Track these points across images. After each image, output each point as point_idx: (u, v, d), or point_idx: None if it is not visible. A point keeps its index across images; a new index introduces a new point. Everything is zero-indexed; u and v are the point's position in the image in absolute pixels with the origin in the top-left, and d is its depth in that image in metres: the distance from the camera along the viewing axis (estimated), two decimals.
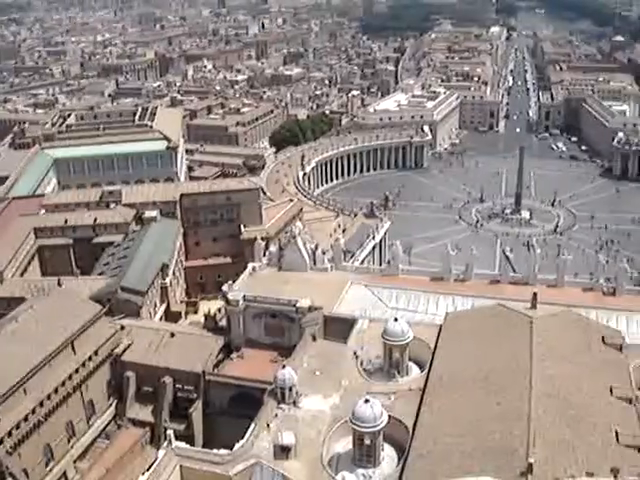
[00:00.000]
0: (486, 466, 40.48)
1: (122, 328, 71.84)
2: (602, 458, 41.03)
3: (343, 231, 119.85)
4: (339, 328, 63.97)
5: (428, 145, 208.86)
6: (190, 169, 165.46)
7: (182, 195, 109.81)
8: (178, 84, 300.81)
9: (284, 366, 53.77)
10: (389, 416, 46.20)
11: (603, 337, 55.36)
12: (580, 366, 51.01)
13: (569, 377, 48.82)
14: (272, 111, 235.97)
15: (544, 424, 42.93)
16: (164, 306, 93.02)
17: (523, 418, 43.25)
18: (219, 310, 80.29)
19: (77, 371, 64.12)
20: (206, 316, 79.58)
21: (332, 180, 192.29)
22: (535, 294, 58.91)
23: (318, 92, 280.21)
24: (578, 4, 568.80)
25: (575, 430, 43.39)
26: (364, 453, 46.67)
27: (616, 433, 43.72)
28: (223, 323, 76.58)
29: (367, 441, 46.04)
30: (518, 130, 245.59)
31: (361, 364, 57.91)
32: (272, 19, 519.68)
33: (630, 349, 55.50)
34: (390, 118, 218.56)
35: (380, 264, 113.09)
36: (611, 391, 48.41)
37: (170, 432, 51.36)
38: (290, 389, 52.62)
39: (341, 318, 66.14)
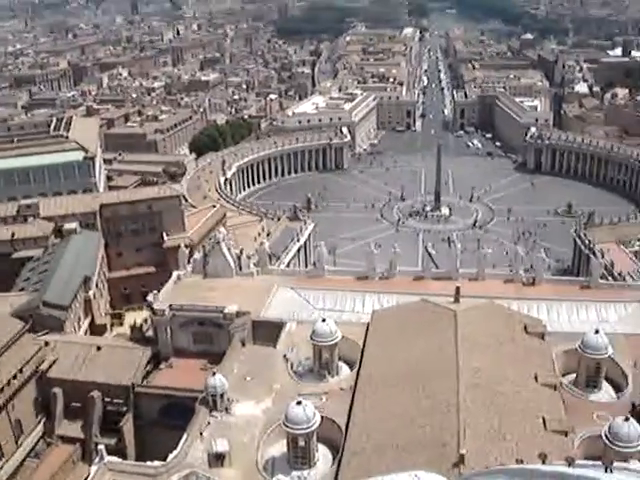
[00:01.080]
0: (419, 459, 41.20)
1: (46, 344, 70.00)
2: (531, 445, 42.23)
3: (267, 235, 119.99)
4: (268, 332, 63.99)
5: (347, 146, 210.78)
6: (109, 179, 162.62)
7: (102, 205, 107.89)
8: (93, 93, 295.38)
9: (214, 373, 53.47)
10: (322, 416, 46.49)
11: (525, 326, 56.98)
12: (505, 356, 52.47)
13: (495, 367, 50.13)
14: (191, 117, 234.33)
15: (473, 415, 44.00)
16: (89, 319, 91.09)
17: (452, 410, 44.23)
18: (145, 321, 79.24)
19: (2, 390, 62.38)
20: (132, 327, 78.44)
21: (254, 184, 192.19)
22: (458, 288, 60.25)
23: (236, 97, 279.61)
24: (488, 4, 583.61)
25: (503, 419, 44.61)
26: (299, 455, 46.86)
27: (543, 419, 45.17)
28: (150, 333, 75.45)
29: (301, 443, 46.26)
30: (433, 132, 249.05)
31: (291, 367, 58.09)
32: (187, 25, 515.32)
33: (552, 336, 57.36)
34: (309, 121, 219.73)
35: (306, 266, 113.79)
36: (536, 378, 49.88)
37: (101, 447, 50.36)
38: (221, 396, 52.38)
39: (269, 322, 66.11)
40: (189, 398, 58.18)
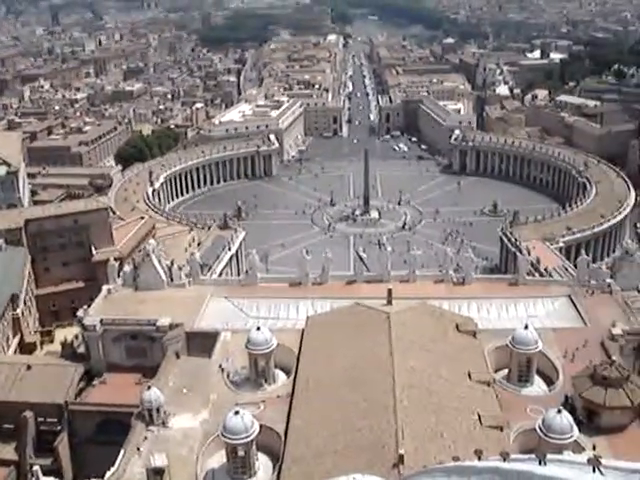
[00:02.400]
0: (359, 462, 41.43)
1: None
2: (468, 441, 42.99)
3: (198, 245, 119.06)
4: (202, 343, 63.46)
5: (276, 153, 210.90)
6: (34, 193, 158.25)
7: (27, 221, 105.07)
8: (15, 106, 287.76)
9: (149, 387, 52.76)
10: (260, 425, 46.33)
11: (457, 325, 58.01)
12: (438, 355, 53.28)
13: (429, 367, 50.84)
14: (115, 128, 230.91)
15: (410, 415, 44.50)
16: (17, 338, 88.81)
17: (389, 411, 44.63)
18: (76, 337, 77.53)
19: None
20: (63, 344, 76.65)
21: (183, 194, 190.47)
22: (390, 290, 60.86)
23: (161, 107, 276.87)
24: (409, 10, 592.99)
25: (440, 417, 45.28)
26: (239, 465, 46.58)
27: (478, 416, 46.03)
28: (82, 350, 73.95)
29: (241, 452, 46.01)
30: (359, 137, 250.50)
31: (228, 376, 57.75)
32: (109, 35, 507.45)
33: (483, 334, 58.55)
34: (236, 129, 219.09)
35: (238, 275, 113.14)
36: (469, 376, 50.83)
37: (37, 468, 49.09)
38: (158, 410, 51.71)
39: (203, 333, 65.58)
40: (125, 413, 57.21)
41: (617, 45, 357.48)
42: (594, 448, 45.07)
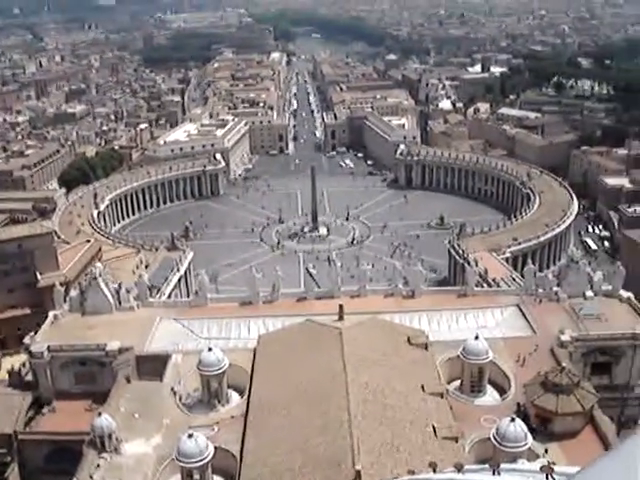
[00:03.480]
0: (316, 479, 41.25)
1: None
2: (423, 454, 43.05)
3: (146, 267, 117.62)
4: (153, 366, 62.56)
5: (222, 172, 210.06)
6: None
7: None
8: None
9: (100, 413, 51.71)
10: (215, 447, 45.75)
11: (408, 338, 58.25)
12: (391, 369, 53.39)
13: (383, 381, 50.88)
14: (58, 151, 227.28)
15: (366, 430, 44.41)
16: None
17: (345, 427, 44.46)
18: (23, 365, 75.74)
19: None
20: (10, 373, 74.71)
21: (129, 216, 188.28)
22: (341, 306, 60.90)
23: (105, 128, 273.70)
24: (351, 27, 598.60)
25: (395, 431, 45.28)
26: None
27: (433, 428, 46.17)
28: (29, 378, 72.34)
29: (196, 476, 45.29)
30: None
31: (180, 399, 57.01)
32: (49, 57, 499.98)
33: (434, 346, 58.91)
34: (181, 149, 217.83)
35: (187, 296, 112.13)
36: (423, 388, 51.00)
37: None
38: (109, 436, 50.67)
39: (154, 356, 64.68)
40: (76, 441, 55.97)
41: (555, 58, 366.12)
42: (546, 451, 45.82)
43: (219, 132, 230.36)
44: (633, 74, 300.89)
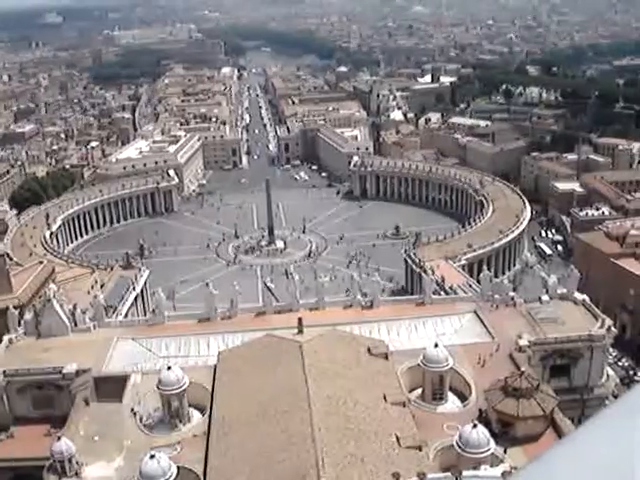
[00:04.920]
0: None
1: None
2: (388, 464, 43.12)
3: (101, 286, 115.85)
4: (112, 387, 61.63)
5: (176, 189, 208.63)
6: None
7: None
8: None
9: (59, 438, 50.70)
10: (178, 467, 45.15)
11: (369, 349, 58.39)
12: (353, 380, 53.40)
13: (344, 393, 50.85)
14: (8, 172, 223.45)
15: (329, 443, 44.31)
16: None
17: (309, 441, 44.31)
18: None
19: None
20: None
21: (82, 235, 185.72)
22: (300, 319, 60.90)
23: (55, 147, 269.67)
24: (301, 41, 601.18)
25: (359, 442, 45.25)
26: None
27: (396, 437, 46.22)
28: None
29: None
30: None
31: (141, 420, 56.22)
32: None
33: (395, 355, 59.12)
34: (134, 166, 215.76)
35: (145, 315, 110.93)
36: (385, 398, 51.11)
37: None
38: (70, 460, 49.65)
39: (112, 377, 63.74)
40: (35, 467, 54.84)
41: (504, 66, 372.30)
42: (505, 451, 46.25)
43: (171, 148, 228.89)
44: (579, 80, 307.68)
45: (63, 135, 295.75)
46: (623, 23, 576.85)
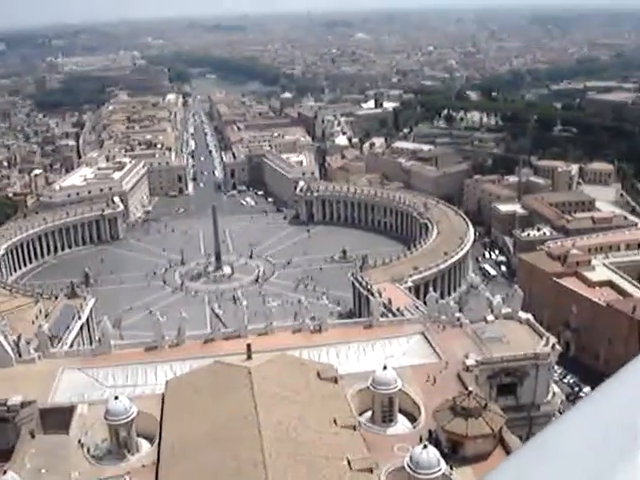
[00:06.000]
0: None
1: None
2: None
3: (46, 316, 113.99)
4: (58, 419, 60.55)
5: (121, 216, 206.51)
6: None
7: None
8: None
9: (5, 472, 49.58)
10: None
11: (318, 373, 58.57)
12: (303, 405, 53.44)
13: (295, 418, 50.86)
14: None
15: (280, 469, 44.24)
16: None
17: (259, 468, 44.17)
18: None
19: None
20: None
21: (26, 264, 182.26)
22: (249, 345, 60.80)
23: None
24: (246, 67, 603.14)
25: (310, 467, 45.29)
26: None
27: (348, 461, 46.41)
28: None
29: None
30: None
31: (88, 451, 55.29)
32: None
33: (344, 379, 59.41)
34: (78, 193, 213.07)
35: (91, 344, 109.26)
36: (335, 422, 51.27)
37: None
38: None
39: (58, 408, 62.63)
40: None
41: (445, 91, 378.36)
42: (451, 467, 46.75)
43: (116, 175, 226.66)
44: (519, 104, 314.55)
45: (6, 163, 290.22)
46: (559, 49, 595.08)
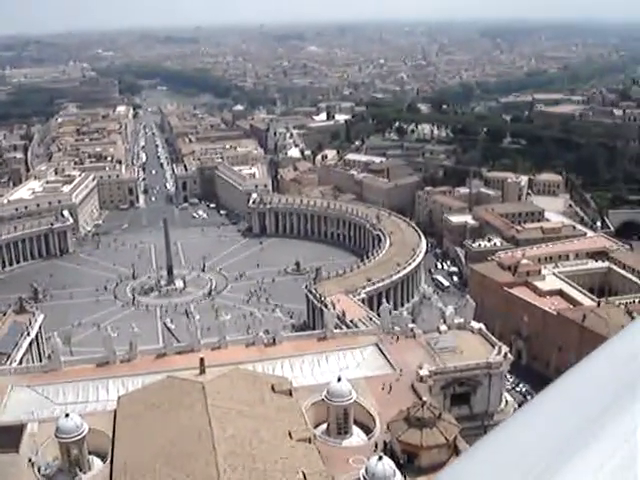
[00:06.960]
0: None
1: None
2: None
3: None
4: (7, 438, 59.07)
5: (71, 230, 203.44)
6: None
7: None
8: None
9: None
10: None
11: (272, 386, 58.30)
12: (257, 419, 53.09)
13: (249, 432, 50.50)
14: None
15: None
16: None
17: None
18: None
19: None
20: None
21: None
22: (202, 359, 60.27)
23: None
24: (197, 79, 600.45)
25: None
26: None
27: (303, 474, 46.21)
28: None
29: None
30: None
31: (39, 470, 54.11)
32: None
33: (299, 392, 59.22)
34: (26, 207, 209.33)
35: (40, 361, 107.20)
36: (290, 435, 51.03)
37: None
38: None
39: (7, 427, 61.18)
40: None
41: (396, 104, 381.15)
42: (406, 478, 46.83)
43: (65, 188, 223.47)
44: (469, 117, 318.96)
45: None
46: (508, 62, 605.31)
